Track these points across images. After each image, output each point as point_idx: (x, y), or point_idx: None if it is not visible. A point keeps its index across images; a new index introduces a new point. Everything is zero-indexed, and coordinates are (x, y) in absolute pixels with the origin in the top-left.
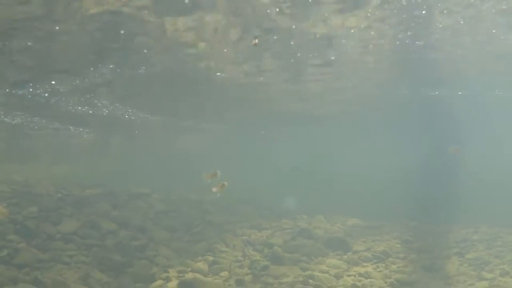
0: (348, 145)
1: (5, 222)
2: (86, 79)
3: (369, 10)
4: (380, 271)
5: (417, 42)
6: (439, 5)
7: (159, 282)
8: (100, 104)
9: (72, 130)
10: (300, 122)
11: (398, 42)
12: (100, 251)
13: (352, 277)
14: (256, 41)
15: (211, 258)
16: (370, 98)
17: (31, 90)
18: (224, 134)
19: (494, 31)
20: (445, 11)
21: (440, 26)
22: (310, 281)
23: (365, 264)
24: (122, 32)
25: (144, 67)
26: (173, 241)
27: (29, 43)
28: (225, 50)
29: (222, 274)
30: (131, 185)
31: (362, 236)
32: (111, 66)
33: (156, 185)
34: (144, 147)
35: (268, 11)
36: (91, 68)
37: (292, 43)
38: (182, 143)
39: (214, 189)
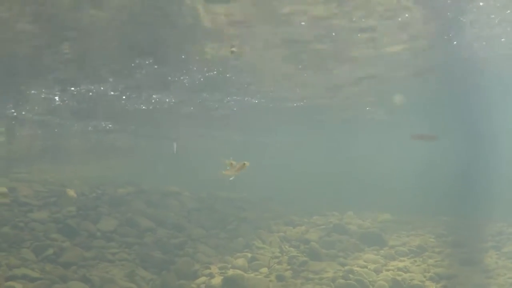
0: (375, 140)
1: (47, 221)
2: None
3: None
4: (418, 265)
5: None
6: None
7: (203, 278)
8: None
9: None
10: (328, 120)
11: None
12: (141, 249)
13: (391, 271)
14: (234, 49)
15: (249, 255)
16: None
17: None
18: (251, 133)
19: None
20: None
21: None
22: (351, 275)
23: (402, 258)
24: None
25: None
26: (210, 238)
27: None
28: None
29: (261, 270)
30: (159, 183)
31: (395, 231)
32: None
33: (183, 183)
34: (169, 146)
35: None
36: None
37: None
38: (207, 141)
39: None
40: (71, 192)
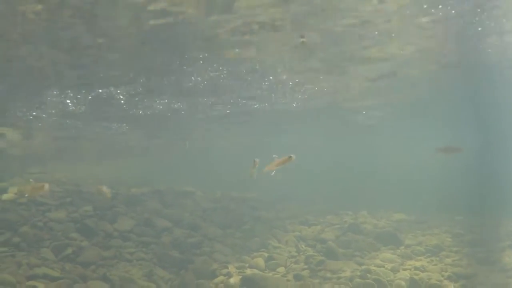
0: (388, 140)
1: (66, 221)
2: None
3: None
4: (435, 265)
5: None
6: None
7: (221, 278)
8: None
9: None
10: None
11: None
12: (158, 248)
13: (409, 270)
14: (304, 39)
15: (266, 254)
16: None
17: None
18: (261, 132)
19: None
20: None
21: None
22: (368, 275)
23: (419, 258)
24: None
25: None
26: (226, 237)
27: None
28: None
29: (279, 269)
30: (172, 183)
31: (411, 231)
32: None
33: (196, 183)
34: (181, 146)
35: None
36: None
37: None
38: (218, 140)
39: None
40: (104, 189)
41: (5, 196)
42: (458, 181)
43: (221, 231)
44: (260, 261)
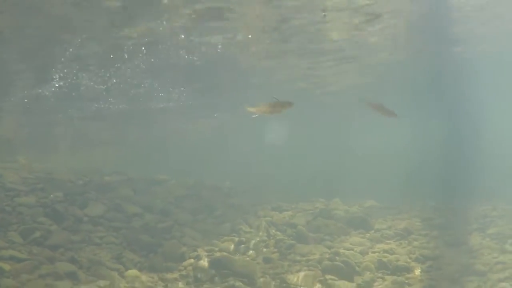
0: (359, 125)
1: (35, 206)
2: None
3: None
4: (404, 248)
5: None
6: None
7: (190, 260)
8: None
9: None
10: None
11: None
12: (128, 233)
13: (377, 253)
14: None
15: (236, 239)
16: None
17: None
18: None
19: None
20: None
21: None
22: (337, 257)
23: (388, 241)
24: None
25: None
26: (197, 223)
27: None
28: None
29: (249, 253)
30: (146, 172)
31: (381, 216)
32: None
33: (169, 171)
34: (155, 135)
35: None
36: None
37: None
38: (193, 129)
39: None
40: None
41: None
42: (430, 167)
43: (192, 217)
44: (230, 245)
